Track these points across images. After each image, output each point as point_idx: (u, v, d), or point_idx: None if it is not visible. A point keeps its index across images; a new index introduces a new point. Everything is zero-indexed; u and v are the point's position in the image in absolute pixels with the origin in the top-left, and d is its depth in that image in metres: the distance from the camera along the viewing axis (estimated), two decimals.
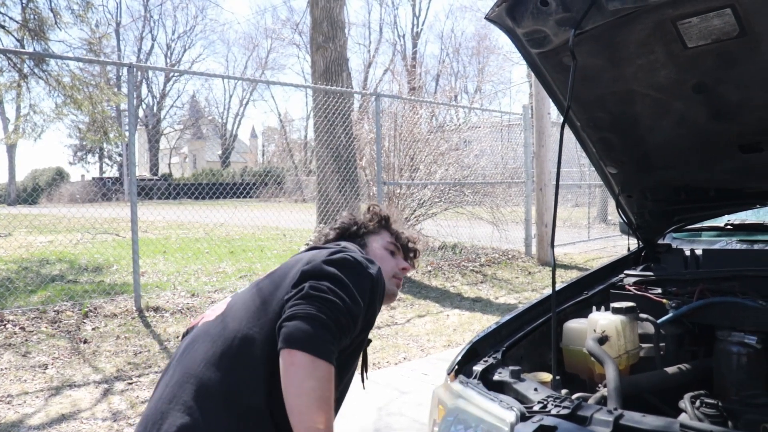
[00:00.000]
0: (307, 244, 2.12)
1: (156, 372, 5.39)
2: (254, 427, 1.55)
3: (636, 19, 1.82)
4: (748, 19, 1.73)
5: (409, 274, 2.10)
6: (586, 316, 2.30)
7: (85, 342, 6.01)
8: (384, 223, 2.15)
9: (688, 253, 2.73)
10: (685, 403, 1.88)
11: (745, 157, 2.32)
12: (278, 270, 1.79)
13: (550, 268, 2.33)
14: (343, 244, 1.94)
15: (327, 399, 1.46)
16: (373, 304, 1.70)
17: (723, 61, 1.91)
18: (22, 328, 6.18)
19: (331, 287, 1.57)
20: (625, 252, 3.04)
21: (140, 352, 5.85)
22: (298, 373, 1.45)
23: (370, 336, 1.94)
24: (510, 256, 11.83)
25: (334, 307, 1.54)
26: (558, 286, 2.50)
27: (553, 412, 1.63)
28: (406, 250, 2.17)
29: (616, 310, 2.23)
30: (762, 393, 2.04)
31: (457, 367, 2.07)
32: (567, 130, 2.05)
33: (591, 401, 1.86)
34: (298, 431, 1.43)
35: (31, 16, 10.21)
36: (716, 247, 2.91)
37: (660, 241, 3.01)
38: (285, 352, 1.46)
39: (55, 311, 6.70)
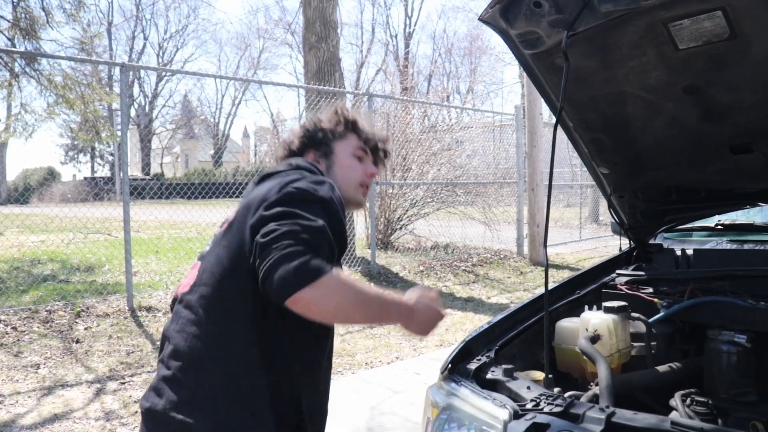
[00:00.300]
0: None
1: (149, 371, 5.38)
2: (244, 379, 1.59)
3: (628, 21, 1.84)
4: (739, 22, 1.75)
5: (375, 178, 2.12)
6: (578, 316, 2.32)
7: (77, 342, 6.00)
8: (351, 127, 2.00)
9: (679, 253, 2.76)
10: (676, 401, 1.90)
11: (736, 158, 2.35)
12: (235, 221, 1.69)
13: (542, 268, 2.35)
14: (294, 163, 1.84)
15: (354, 296, 1.46)
16: (334, 224, 1.59)
17: (714, 63, 1.93)
18: (14, 328, 6.16)
19: (283, 223, 1.48)
20: (616, 252, 3.06)
21: (133, 352, 5.84)
22: (318, 308, 1.43)
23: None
24: (502, 256, 11.85)
25: (294, 234, 1.45)
26: (550, 286, 2.51)
27: (546, 409, 1.65)
28: (375, 151, 2.03)
29: (608, 310, 2.24)
30: (751, 391, 2.06)
31: (450, 365, 2.08)
32: (559, 131, 2.06)
33: (583, 399, 1.87)
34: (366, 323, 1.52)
35: (23, 15, 10.16)
36: (707, 247, 2.93)
37: (651, 241, 3.03)
38: (291, 303, 1.41)
39: (47, 311, 6.68)
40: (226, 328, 1.60)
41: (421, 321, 1.62)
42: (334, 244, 1.56)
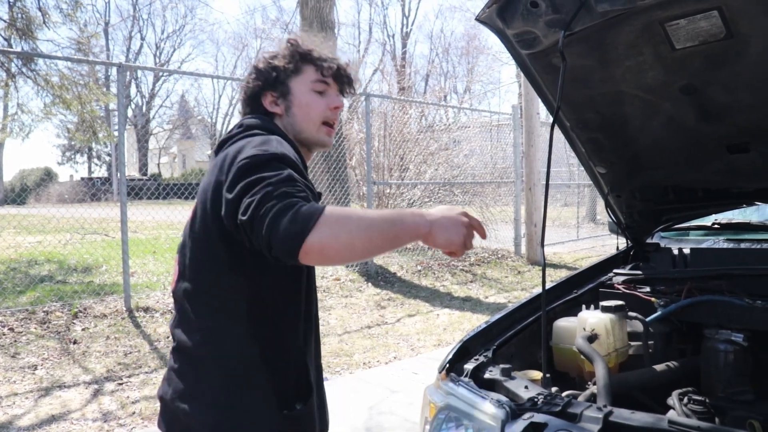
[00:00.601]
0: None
1: (146, 372, 5.37)
2: (239, 367, 1.59)
3: (625, 20, 1.84)
4: (735, 21, 1.75)
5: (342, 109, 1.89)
6: (575, 315, 2.32)
7: (74, 342, 5.99)
8: (306, 58, 1.78)
9: (676, 252, 2.76)
10: (673, 400, 1.91)
11: (732, 157, 2.35)
12: (196, 208, 1.63)
13: (540, 268, 2.35)
14: (245, 123, 1.72)
15: (361, 222, 1.34)
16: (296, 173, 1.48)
17: (710, 62, 1.94)
18: (11, 329, 6.15)
19: (254, 193, 1.38)
20: (614, 251, 3.06)
21: (130, 353, 5.83)
22: (332, 248, 1.32)
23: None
24: (499, 256, 11.86)
25: (270, 195, 1.35)
26: (547, 285, 2.51)
27: (544, 409, 1.65)
28: (338, 79, 1.82)
29: (605, 309, 2.25)
30: (748, 390, 2.07)
31: (448, 365, 2.09)
32: (557, 130, 2.07)
33: (581, 399, 1.87)
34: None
35: (19, 15, 10.15)
36: (704, 246, 2.93)
37: (648, 241, 3.03)
38: (303, 257, 1.30)
39: (44, 312, 6.67)
40: (213, 320, 1.60)
41: (445, 227, 1.41)
42: (309, 186, 1.48)
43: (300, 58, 1.77)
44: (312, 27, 10.75)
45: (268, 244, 1.31)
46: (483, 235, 1.51)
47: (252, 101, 1.81)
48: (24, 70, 10.11)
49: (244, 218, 1.36)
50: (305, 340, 1.68)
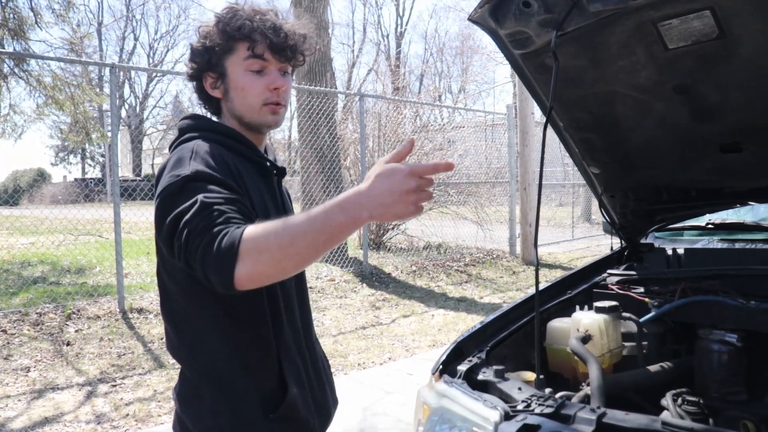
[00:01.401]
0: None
1: (140, 374, 5.35)
2: (218, 371, 1.58)
3: (617, 20, 1.84)
4: (727, 21, 1.75)
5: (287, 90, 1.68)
6: (569, 316, 2.31)
7: (68, 344, 5.97)
8: (237, 36, 1.60)
9: (670, 252, 2.76)
10: (667, 400, 1.90)
11: (726, 157, 2.35)
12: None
13: (535, 268, 2.37)
14: (179, 128, 1.65)
15: (284, 237, 1.25)
16: (212, 188, 1.40)
17: (703, 62, 1.94)
18: (4, 331, 6.12)
19: (178, 235, 1.35)
20: (608, 251, 3.06)
21: (124, 354, 5.81)
22: (263, 274, 1.28)
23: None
24: (494, 256, 11.87)
25: (192, 235, 1.31)
26: (542, 286, 2.51)
27: (537, 411, 1.64)
28: (279, 53, 1.63)
29: (599, 310, 2.24)
30: (742, 390, 2.07)
31: (441, 366, 2.08)
32: (550, 130, 2.06)
33: (574, 400, 1.87)
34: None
35: (11, 16, 10.10)
36: (698, 246, 2.93)
37: (642, 241, 3.03)
38: (240, 288, 1.27)
39: (37, 313, 6.64)
40: (191, 335, 1.59)
41: (387, 205, 1.25)
42: (228, 198, 1.39)
43: (229, 36, 1.60)
44: None
45: (208, 282, 1.30)
46: (445, 169, 1.32)
47: (197, 84, 1.71)
48: (16, 70, 10.07)
49: (181, 263, 1.37)
50: (277, 335, 1.62)
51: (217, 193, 1.38)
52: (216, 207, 1.34)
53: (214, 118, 1.72)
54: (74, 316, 6.69)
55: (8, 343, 5.89)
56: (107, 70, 7.67)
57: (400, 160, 1.32)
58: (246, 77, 1.62)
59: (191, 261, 1.32)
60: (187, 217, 1.33)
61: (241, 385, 1.57)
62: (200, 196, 1.35)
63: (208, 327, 1.56)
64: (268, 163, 1.71)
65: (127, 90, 51.07)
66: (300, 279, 1.76)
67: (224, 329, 1.56)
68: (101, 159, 51.58)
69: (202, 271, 1.30)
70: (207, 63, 1.64)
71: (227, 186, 1.43)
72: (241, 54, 1.61)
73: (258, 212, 1.54)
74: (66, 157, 55.69)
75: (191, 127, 1.64)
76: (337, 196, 1.29)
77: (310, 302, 1.87)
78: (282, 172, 1.78)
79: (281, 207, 1.73)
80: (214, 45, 1.61)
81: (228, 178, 1.47)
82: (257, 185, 1.63)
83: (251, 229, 1.27)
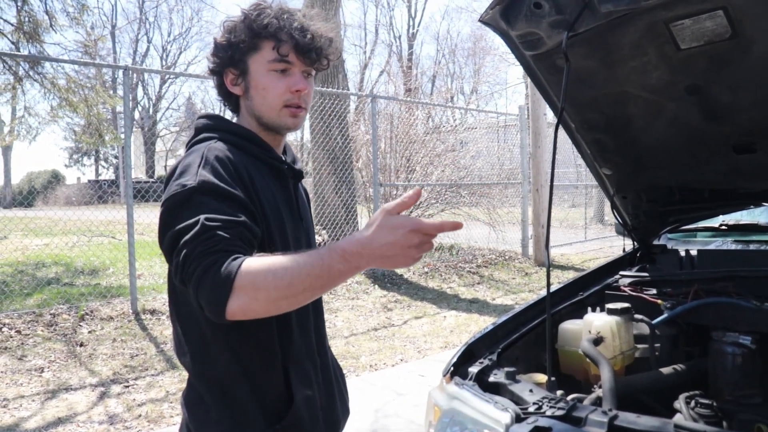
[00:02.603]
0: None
1: (152, 375, 5.38)
2: (220, 382, 1.54)
3: (629, 21, 1.83)
4: (740, 21, 1.74)
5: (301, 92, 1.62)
6: (581, 317, 2.30)
7: (81, 345, 6.00)
8: (263, 33, 1.57)
9: (683, 253, 2.74)
10: (680, 403, 1.89)
11: (739, 157, 2.33)
12: None
13: (546, 268, 2.36)
14: (195, 128, 1.64)
15: (280, 277, 1.24)
16: (219, 198, 1.39)
17: (715, 62, 1.92)
18: (18, 332, 6.17)
19: (177, 252, 1.34)
20: (620, 253, 3.04)
21: (137, 355, 5.84)
22: (253, 310, 1.27)
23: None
24: (507, 257, 11.84)
25: (189, 258, 1.30)
26: (554, 287, 2.50)
27: (548, 413, 1.64)
28: (305, 55, 1.59)
29: (611, 311, 2.23)
30: (756, 393, 2.05)
31: (452, 368, 2.07)
32: (562, 132, 2.05)
33: (586, 402, 1.86)
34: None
35: (26, 19, 10.19)
36: (711, 247, 2.91)
37: (655, 242, 3.01)
38: (230, 319, 1.27)
39: (51, 314, 6.69)
40: (194, 343, 1.56)
41: (387, 257, 1.26)
42: (231, 221, 1.36)
43: (254, 34, 1.57)
44: None
45: (200, 307, 1.30)
46: (451, 228, 1.29)
47: (217, 79, 1.68)
48: (31, 73, 10.16)
49: (177, 280, 1.36)
50: (284, 342, 1.58)
51: (221, 214, 1.36)
52: (217, 232, 1.32)
53: (234, 118, 1.71)
54: (87, 317, 6.73)
55: (22, 343, 5.93)
56: (120, 72, 7.73)
57: (405, 209, 1.29)
58: (268, 77, 1.59)
59: (186, 283, 1.32)
60: (186, 237, 1.32)
61: (243, 394, 1.54)
62: (202, 217, 1.33)
63: (212, 333, 1.52)
64: (285, 166, 1.68)
65: (140, 92, 51.34)
66: None
67: (228, 336, 1.51)
68: (114, 161, 51.89)
69: (195, 297, 1.29)
70: (230, 59, 1.61)
71: (234, 200, 1.41)
72: (266, 53, 1.58)
73: (270, 217, 1.52)
74: (80, 159, 56.08)
75: (207, 127, 1.62)
76: (340, 243, 1.28)
77: (323, 305, 1.83)
78: (299, 174, 1.75)
79: (297, 210, 1.70)
80: (238, 41, 1.58)
81: (238, 187, 1.44)
82: (271, 188, 1.59)
83: (250, 264, 1.26)
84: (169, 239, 1.37)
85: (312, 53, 1.60)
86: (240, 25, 1.58)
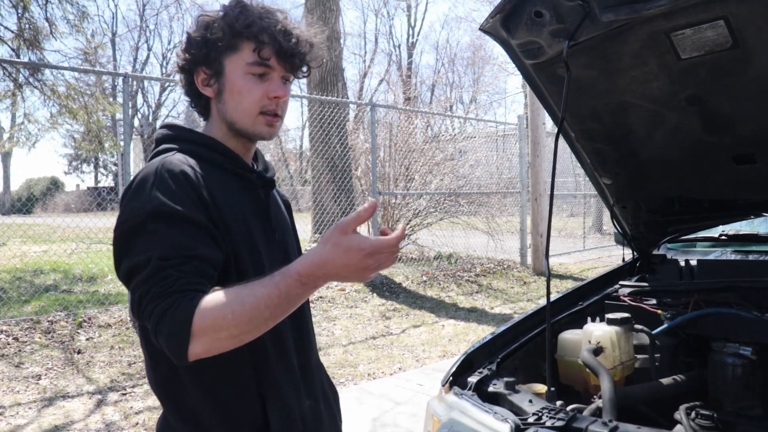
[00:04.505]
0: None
1: None
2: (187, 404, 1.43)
3: (629, 30, 1.83)
4: (741, 31, 1.74)
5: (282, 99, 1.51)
6: (581, 327, 2.29)
7: (78, 352, 5.98)
8: (244, 34, 1.45)
9: (682, 263, 2.74)
10: (680, 414, 1.88)
11: (739, 168, 2.33)
12: None
13: (546, 278, 2.35)
14: (155, 139, 1.54)
15: (240, 312, 1.20)
16: (175, 221, 1.30)
17: (716, 72, 1.92)
18: (16, 339, 6.15)
19: (133, 288, 1.28)
20: (620, 262, 3.04)
21: (134, 363, 5.82)
22: (216, 348, 1.24)
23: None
24: (505, 266, 11.82)
25: (145, 298, 1.24)
26: (553, 297, 2.49)
27: (548, 423, 1.63)
28: (286, 60, 1.48)
29: (611, 321, 2.22)
30: (757, 404, 2.04)
31: (451, 378, 2.07)
32: (561, 141, 2.05)
33: (586, 413, 1.85)
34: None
35: (27, 26, 10.20)
36: (711, 257, 2.91)
37: (655, 252, 3.01)
38: (194, 360, 1.23)
39: (48, 321, 6.67)
40: (158, 369, 1.45)
41: (344, 277, 1.25)
42: (187, 256, 1.27)
43: (234, 33, 1.45)
44: None
45: (161, 348, 1.25)
46: (401, 236, 1.27)
47: (186, 77, 1.54)
48: (31, 80, 10.16)
49: (135, 317, 1.30)
50: (259, 367, 1.46)
51: (176, 245, 1.27)
52: (170, 271, 1.25)
53: (201, 123, 1.62)
54: (85, 324, 6.71)
55: (20, 350, 5.91)
56: (120, 79, 7.73)
57: (361, 223, 1.26)
58: (245, 80, 1.47)
59: (144, 322, 1.27)
60: (140, 276, 1.26)
61: (215, 424, 1.41)
62: (156, 253, 1.25)
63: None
64: (254, 175, 1.56)
65: (140, 99, 51.39)
66: None
67: (196, 365, 1.32)
68: (114, 168, 51.86)
69: (155, 339, 1.24)
70: (204, 57, 1.48)
71: (191, 224, 1.32)
72: (245, 55, 1.46)
73: (235, 233, 1.42)
74: (79, 166, 56.06)
75: (167, 138, 1.51)
76: (294, 265, 1.25)
77: (314, 317, 1.71)
78: (270, 183, 1.62)
79: (269, 220, 1.57)
80: (215, 39, 1.45)
81: (196, 206, 1.34)
82: (238, 200, 1.48)
83: (207, 305, 1.21)
84: (123, 272, 1.31)
85: (295, 59, 1.49)
86: (219, 23, 1.45)
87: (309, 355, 1.62)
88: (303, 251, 1.54)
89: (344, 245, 1.23)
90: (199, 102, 1.56)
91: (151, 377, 1.48)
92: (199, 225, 1.32)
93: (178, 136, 1.51)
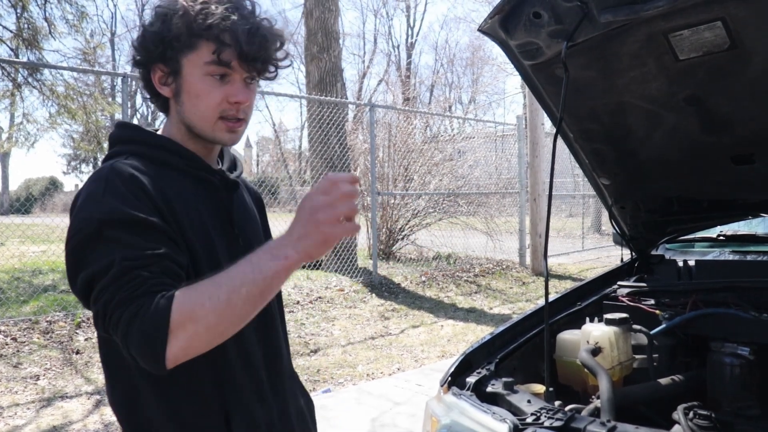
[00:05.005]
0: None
1: None
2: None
3: (628, 31, 1.83)
4: (739, 32, 1.74)
5: (244, 104, 1.38)
6: (579, 328, 2.30)
7: (77, 353, 5.98)
8: (207, 33, 1.31)
9: (681, 264, 2.74)
10: (678, 414, 1.88)
11: (737, 168, 2.33)
12: None
13: (544, 279, 2.34)
14: (109, 140, 1.44)
15: (217, 301, 1.13)
16: (128, 229, 1.20)
17: (714, 73, 1.93)
18: (14, 339, 6.14)
19: (95, 298, 1.19)
20: (618, 263, 3.04)
21: None
22: (198, 346, 1.16)
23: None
24: (504, 267, 11.83)
25: (109, 304, 1.16)
26: (552, 297, 2.50)
27: (546, 424, 1.63)
28: (248, 62, 1.35)
29: (609, 322, 2.23)
30: (754, 404, 2.05)
31: (450, 378, 2.07)
32: (560, 141, 2.05)
33: (584, 413, 1.85)
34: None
35: (25, 26, 10.20)
36: (709, 258, 2.91)
37: (653, 252, 3.01)
38: (172, 365, 1.15)
39: (47, 322, 6.66)
40: (125, 379, 1.35)
41: (308, 233, 1.17)
42: (151, 255, 1.20)
43: (193, 33, 1.32)
44: (317, 37, 10.80)
45: (132, 359, 1.16)
46: (354, 180, 1.23)
47: (143, 72, 1.42)
48: (30, 80, 10.17)
49: (100, 330, 1.22)
50: (226, 383, 1.37)
51: (137, 249, 1.19)
52: (137, 272, 1.16)
53: (158, 122, 1.53)
54: (84, 324, 6.70)
55: (18, 351, 5.91)
56: (119, 79, 7.73)
57: (336, 191, 1.19)
58: (204, 82, 1.35)
59: (111, 332, 1.17)
60: (103, 282, 1.16)
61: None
62: (118, 257, 1.17)
63: (140, 374, 1.29)
64: (216, 177, 1.45)
65: (138, 99, 51.34)
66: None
67: (157, 380, 1.27)
68: None
69: (125, 348, 1.15)
70: (160, 54, 1.35)
71: (150, 227, 1.23)
72: (204, 55, 1.33)
73: (193, 239, 1.32)
74: (78, 166, 55.94)
75: (120, 139, 1.42)
76: (265, 243, 1.22)
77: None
78: (233, 185, 1.49)
79: (231, 225, 1.46)
80: (172, 38, 1.33)
81: (152, 212, 1.25)
82: (196, 205, 1.37)
83: (182, 297, 1.14)
84: (82, 284, 1.20)
85: (257, 62, 1.36)
86: (177, 20, 1.32)
87: (279, 368, 1.53)
88: None
89: (305, 200, 1.18)
90: (158, 99, 1.45)
91: (110, 395, 1.38)
92: (159, 229, 1.24)
93: (131, 138, 1.42)
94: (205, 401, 1.34)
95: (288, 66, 1.47)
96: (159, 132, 1.46)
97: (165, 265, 1.20)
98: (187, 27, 1.31)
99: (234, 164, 1.58)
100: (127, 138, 1.41)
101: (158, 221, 1.24)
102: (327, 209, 1.16)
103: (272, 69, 1.42)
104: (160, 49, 1.34)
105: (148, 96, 1.47)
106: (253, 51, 1.33)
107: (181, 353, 1.14)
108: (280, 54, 1.42)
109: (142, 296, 1.14)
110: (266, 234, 1.65)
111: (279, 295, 1.55)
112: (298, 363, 5.99)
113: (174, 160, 1.39)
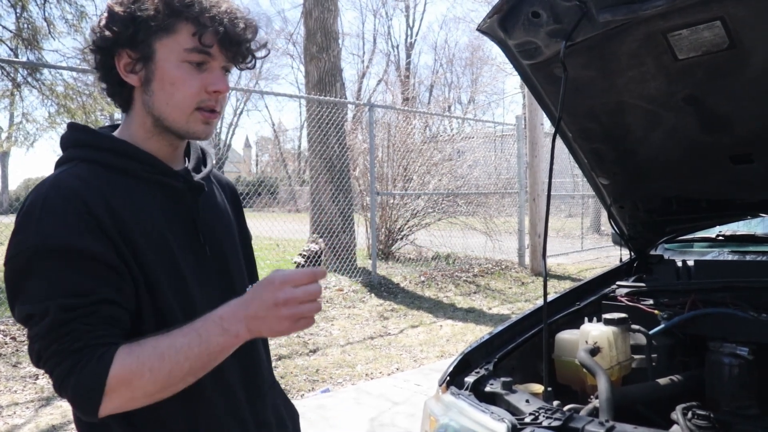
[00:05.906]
0: None
1: None
2: None
3: (627, 31, 1.83)
4: (738, 32, 1.74)
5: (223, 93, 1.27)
6: (578, 327, 2.30)
7: None
8: (188, 12, 1.21)
9: (680, 263, 2.74)
10: (677, 414, 1.88)
11: (736, 168, 2.33)
12: None
13: (543, 279, 2.34)
14: (60, 143, 1.32)
15: (158, 367, 1.10)
16: (65, 259, 1.12)
17: (713, 73, 1.92)
18: (13, 338, 6.14)
19: (30, 336, 1.13)
20: (617, 263, 3.04)
21: None
22: (132, 405, 1.13)
23: None
24: (503, 267, 11.83)
25: (44, 351, 1.11)
26: (550, 297, 2.50)
27: (545, 423, 1.63)
28: (229, 47, 1.26)
29: (608, 321, 2.23)
30: (753, 404, 2.05)
31: (448, 378, 2.06)
32: (559, 141, 2.05)
33: (583, 413, 1.85)
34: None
35: (25, 26, 10.21)
36: (708, 258, 2.91)
37: (652, 252, 3.01)
38: (100, 416, 1.11)
39: None
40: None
41: (260, 316, 1.13)
42: (90, 303, 1.12)
43: (172, 12, 1.21)
44: (316, 37, 10.81)
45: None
46: (322, 276, 1.18)
47: (104, 59, 1.28)
48: (29, 79, 10.17)
49: (33, 364, 1.16)
50: (194, 399, 1.27)
51: (74, 290, 1.11)
52: (73, 324, 1.10)
53: (117, 116, 1.37)
54: None
55: (17, 350, 5.91)
56: None
57: (301, 281, 1.15)
58: (180, 70, 1.23)
59: (47, 374, 1.13)
60: (39, 329, 1.10)
61: None
62: (53, 305, 1.09)
63: None
64: (179, 181, 1.33)
65: None
66: None
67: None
68: None
69: (58, 393, 1.12)
70: (129, 38, 1.22)
71: (89, 259, 1.13)
72: (182, 38, 1.22)
73: (149, 258, 1.21)
74: None
75: (71, 142, 1.30)
76: (218, 310, 1.15)
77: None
78: (197, 188, 1.36)
79: (196, 233, 1.34)
80: (147, 17, 1.20)
81: (92, 235, 1.14)
82: (153, 216, 1.26)
83: (121, 361, 1.09)
84: (19, 318, 1.15)
85: (241, 47, 1.27)
86: (155, 5, 1.20)
87: (258, 383, 1.45)
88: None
89: (263, 281, 1.15)
90: (119, 90, 1.31)
91: (76, 420, 1.29)
92: (97, 259, 1.14)
93: (83, 142, 1.29)
94: (171, 419, 1.26)
95: (265, 56, 1.38)
96: (116, 134, 1.33)
97: (104, 314, 1.13)
98: (166, 5, 1.20)
99: (203, 160, 1.47)
100: (78, 142, 1.30)
101: (99, 248, 1.14)
102: (293, 306, 1.13)
103: (250, 58, 1.33)
104: (130, 31, 1.22)
105: (105, 87, 1.33)
106: (236, 35, 1.25)
107: (116, 410, 1.12)
108: (259, 42, 1.33)
109: (78, 351, 1.09)
110: (242, 231, 1.56)
111: None
112: (297, 363, 5.99)
113: (130, 166, 1.27)
